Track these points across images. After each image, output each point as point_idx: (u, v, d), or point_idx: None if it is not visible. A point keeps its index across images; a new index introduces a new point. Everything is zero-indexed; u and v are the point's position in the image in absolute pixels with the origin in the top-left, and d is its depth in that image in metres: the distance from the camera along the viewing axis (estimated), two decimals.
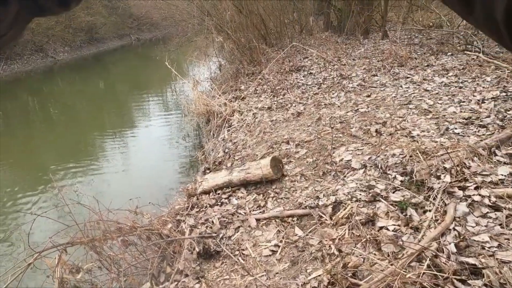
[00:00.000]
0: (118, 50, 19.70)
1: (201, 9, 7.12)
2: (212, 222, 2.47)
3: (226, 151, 3.88)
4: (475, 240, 1.65)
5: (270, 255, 2.05)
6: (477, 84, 3.70)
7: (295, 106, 4.34)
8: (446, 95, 3.55)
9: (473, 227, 1.73)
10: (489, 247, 1.60)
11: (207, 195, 2.88)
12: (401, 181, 2.21)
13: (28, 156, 6.02)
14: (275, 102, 4.64)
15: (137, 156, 5.52)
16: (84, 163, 5.46)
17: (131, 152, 5.81)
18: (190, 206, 2.79)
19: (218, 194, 2.84)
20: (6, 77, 13.09)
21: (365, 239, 1.82)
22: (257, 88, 5.45)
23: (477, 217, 1.78)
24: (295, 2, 8.82)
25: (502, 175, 2.03)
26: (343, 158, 2.73)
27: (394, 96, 3.83)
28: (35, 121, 8.59)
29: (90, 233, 2.09)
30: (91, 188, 4.31)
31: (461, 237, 1.65)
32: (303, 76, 5.50)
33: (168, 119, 7.41)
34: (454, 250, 1.59)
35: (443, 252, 1.59)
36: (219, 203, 2.73)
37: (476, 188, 1.95)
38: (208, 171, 3.65)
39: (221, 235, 2.32)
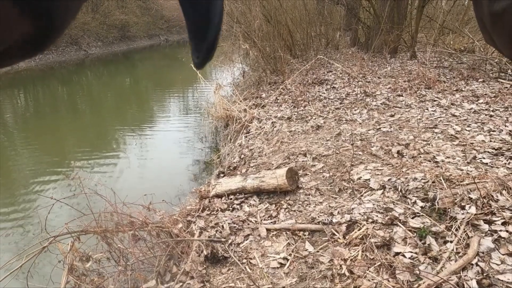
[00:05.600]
0: (147, 49, 20.41)
1: (231, 16, 7.27)
2: (222, 227, 2.46)
3: (242, 157, 3.88)
4: (499, 279, 1.55)
5: (278, 268, 2.00)
6: (510, 114, 3.54)
7: (315, 119, 4.30)
8: (475, 123, 3.41)
9: (498, 264, 1.62)
10: None
11: (220, 199, 2.87)
12: (422, 207, 2.12)
13: (52, 141, 6.28)
14: (295, 113, 4.62)
15: (154, 153, 5.63)
16: (103, 154, 5.62)
17: (149, 148, 5.93)
18: (201, 208, 2.79)
19: (231, 199, 2.83)
20: (41, 66, 13.83)
21: (379, 263, 1.75)
22: (278, 98, 5.46)
23: (503, 254, 1.67)
24: (324, 15, 8.85)
25: None
26: (361, 177, 2.66)
27: (419, 119, 3.72)
28: (62, 109, 8.97)
29: (104, 223, 2.13)
30: (108, 180, 4.42)
31: (484, 274, 1.55)
32: (326, 90, 5.46)
33: (187, 119, 7.54)
34: (476, 287, 1.49)
35: None
36: (231, 209, 2.72)
37: (504, 223, 1.83)
38: (222, 175, 3.66)
39: (230, 241, 2.30)
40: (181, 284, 2.04)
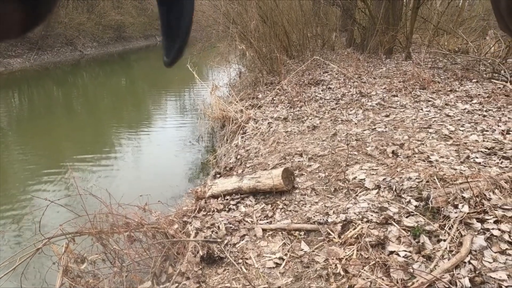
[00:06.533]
0: (143, 49, 20.33)
1: (227, 17, 7.28)
2: (218, 227, 2.46)
3: (238, 157, 3.88)
4: (491, 277, 1.57)
5: (273, 268, 2.01)
6: (503, 114, 3.58)
7: (311, 119, 4.32)
8: (469, 123, 3.45)
9: (490, 262, 1.65)
10: (506, 286, 1.51)
11: (216, 199, 2.87)
12: (416, 206, 2.14)
13: (47, 143, 6.23)
14: (291, 114, 4.64)
15: (150, 154, 5.61)
16: (99, 155, 5.59)
17: (145, 149, 5.91)
18: (197, 209, 2.79)
19: (227, 199, 2.83)
20: (36, 66, 13.71)
21: (373, 262, 1.76)
22: (274, 98, 5.47)
23: (495, 252, 1.70)
24: (320, 16, 8.90)
25: None
26: (356, 177, 2.68)
27: (414, 119, 3.75)
28: (57, 110, 8.90)
29: (99, 225, 2.12)
30: (103, 181, 4.40)
31: (477, 272, 1.57)
32: (322, 90, 5.49)
33: (184, 120, 7.53)
34: (469, 285, 1.51)
35: (456, 286, 1.52)
36: (227, 209, 2.72)
37: (496, 222, 1.86)
38: (218, 175, 3.66)
39: (226, 242, 2.30)
40: (176, 285, 2.04)
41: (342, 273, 1.79)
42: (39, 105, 9.59)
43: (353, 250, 1.91)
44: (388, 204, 2.22)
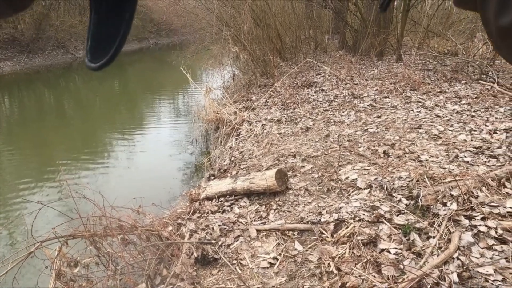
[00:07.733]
0: (136, 52, 20.22)
1: (220, 20, 7.32)
2: (213, 228, 2.47)
3: (232, 159, 3.90)
4: (478, 272, 1.61)
5: (267, 268, 2.03)
6: (490, 114, 3.67)
7: (304, 120, 4.36)
8: (458, 123, 3.53)
9: (477, 258, 1.69)
10: (493, 280, 1.56)
11: (210, 201, 2.88)
12: (406, 205, 2.19)
13: (39, 147, 6.15)
14: (285, 115, 4.68)
15: (144, 156, 5.58)
16: (92, 159, 5.54)
17: (139, 152, 5.88)
18: (192, 211, 2.79)
19: (221, 201, 2.84)
20: (26, 70, 13.53)
21: (365, 260, 1.79)
22: (268, 100, 5.51)
23: (482, 248, 1.74)
24: (313, 19, 9.00)
25: (510, 207, 1.99)
26: (348, 177, 2.72)
27: (405, 119, 3.82)
28: (49, 114, 8.80)
29: (92, 227, 2.11)
30: (96, 184, 4.37)
31: (465, 267, 1.61)
32: (315, 92, 5.54)
33: (178, 123, 7.51)
34: (457, 280, 1.55)
35: (445, 281, 1.56)
36: (221, 211, 2.73)
37: (483, 218, 1.91)
38: (212, 177, 3.67)
39: (220, 243, 2.31)
40: (171, 286, 2.04)
41: (334, 271, 1.82)
42: (30, 108, 9.46)
43: (346, 249, 1.94)
44: (380, 203, 2.26)
